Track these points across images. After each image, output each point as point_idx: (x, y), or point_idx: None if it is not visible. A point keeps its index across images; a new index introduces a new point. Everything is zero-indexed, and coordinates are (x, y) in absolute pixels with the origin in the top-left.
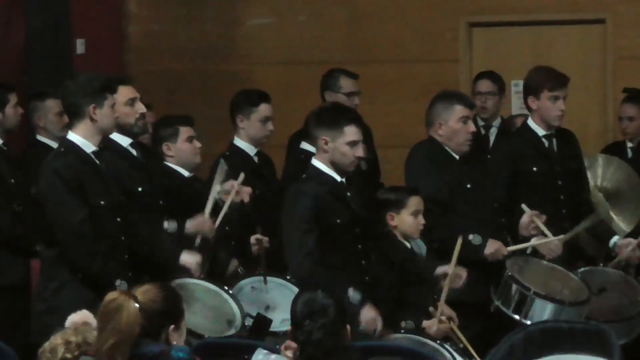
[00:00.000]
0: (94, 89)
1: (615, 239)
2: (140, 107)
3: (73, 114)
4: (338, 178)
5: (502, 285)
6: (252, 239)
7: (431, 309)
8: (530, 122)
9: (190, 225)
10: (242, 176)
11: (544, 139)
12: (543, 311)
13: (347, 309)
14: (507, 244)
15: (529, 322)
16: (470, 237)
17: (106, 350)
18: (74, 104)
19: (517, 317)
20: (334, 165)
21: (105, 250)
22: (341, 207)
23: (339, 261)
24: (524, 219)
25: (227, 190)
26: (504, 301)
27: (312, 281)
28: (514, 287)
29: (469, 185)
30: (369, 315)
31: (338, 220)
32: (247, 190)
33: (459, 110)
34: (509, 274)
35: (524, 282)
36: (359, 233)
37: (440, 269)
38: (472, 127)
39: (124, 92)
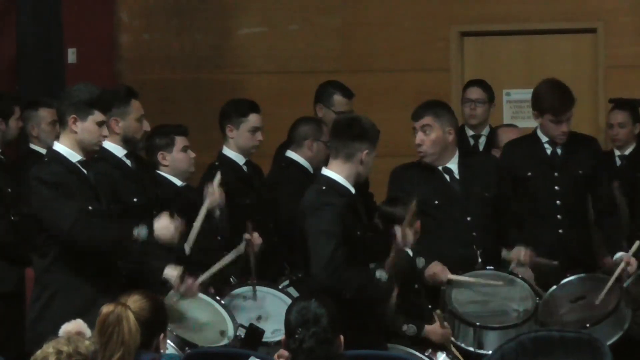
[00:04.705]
0: (79, 99)
1: (618, 255)
2: (146, 125)
3: (60, 123)
4: (352, 190)
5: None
6: (243, 238)
7: (438, 311)
8: (538, 131)
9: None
10: (218, 175)
11: (546, 145)
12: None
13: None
14: (476, 260)
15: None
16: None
17: None
18: (59, 113)
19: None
20: (354, 177)
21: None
22: (357, 219)
23: None
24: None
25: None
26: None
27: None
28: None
29: (436, 202)
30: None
31: (358, 233)
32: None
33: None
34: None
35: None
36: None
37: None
38: None
39: (137, 108)
